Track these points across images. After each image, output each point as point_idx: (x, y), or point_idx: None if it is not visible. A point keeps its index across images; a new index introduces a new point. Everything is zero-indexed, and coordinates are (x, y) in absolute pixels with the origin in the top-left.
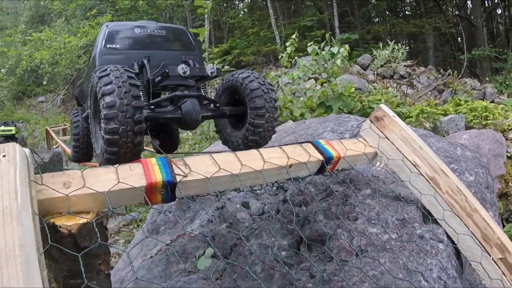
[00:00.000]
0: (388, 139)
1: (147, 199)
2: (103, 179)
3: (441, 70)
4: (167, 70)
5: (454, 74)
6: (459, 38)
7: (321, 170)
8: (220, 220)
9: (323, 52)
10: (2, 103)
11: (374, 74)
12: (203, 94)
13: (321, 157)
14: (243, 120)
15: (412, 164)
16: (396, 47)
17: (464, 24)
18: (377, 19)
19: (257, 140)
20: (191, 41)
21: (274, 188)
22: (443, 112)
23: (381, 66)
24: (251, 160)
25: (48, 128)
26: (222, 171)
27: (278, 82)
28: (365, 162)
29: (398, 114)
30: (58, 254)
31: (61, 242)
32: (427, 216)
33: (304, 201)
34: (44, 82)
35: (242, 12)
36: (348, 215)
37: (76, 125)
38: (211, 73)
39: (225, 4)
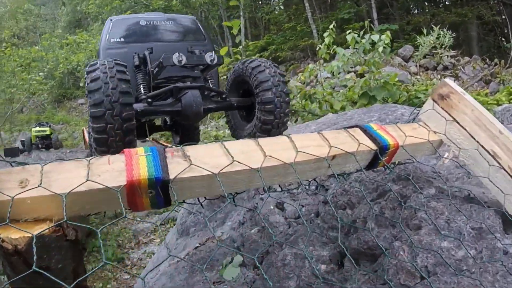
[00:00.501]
0: (458, 123)
1: (126, 204)
2: (68, 176)
3: (487, 60)
4: (161, 60)
5: (501, 64)
6: (504, 27)
7: (373, 164)
8: (251, 223)
9: (363, 40)
10: (43, 106)
11: (416, 65)
12: (208, 84)
13: (373, 146)
14: (252, 112)
15: (491, 154)
16: (442, 32)
17: (508, 11)
18: (416, 10)
19: (271, 121)
20: (201, 31)
21: (313, 187)
22: (495, 102)
23: (424, 57)
24: (279, 149)
25: (84, 129)
26: (236, 164)
27: (316, 76)
28: (428, 153)
29: None
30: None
31: (9, 259)
32: (510, 224)
33: (350, 202)
34: (81, 84)
35: (277, 8)
36: (408, 222)
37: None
38: (211, 60)
39: (260, 1)
